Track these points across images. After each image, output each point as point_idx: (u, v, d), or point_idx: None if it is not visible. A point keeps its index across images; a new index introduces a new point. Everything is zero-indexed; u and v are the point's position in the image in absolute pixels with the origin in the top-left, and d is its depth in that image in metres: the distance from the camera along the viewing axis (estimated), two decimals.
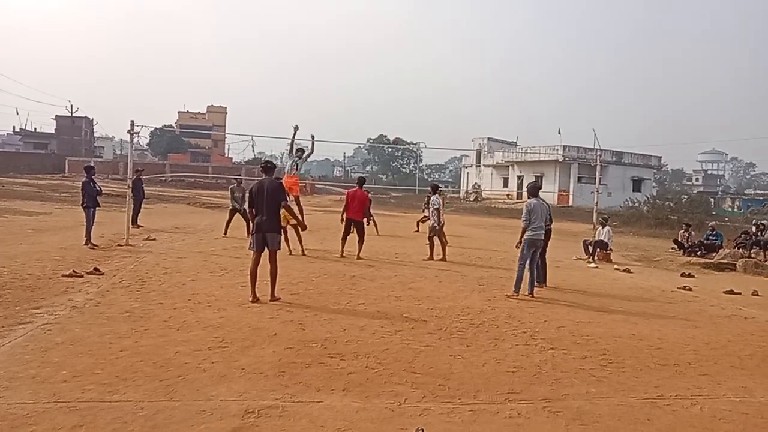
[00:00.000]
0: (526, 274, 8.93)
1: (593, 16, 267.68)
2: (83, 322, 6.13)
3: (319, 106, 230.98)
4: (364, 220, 13.02)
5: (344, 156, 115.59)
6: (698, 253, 17.21)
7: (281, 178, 10.43)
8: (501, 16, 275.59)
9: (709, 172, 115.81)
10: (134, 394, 4.22)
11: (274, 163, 8.48)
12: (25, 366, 4.67)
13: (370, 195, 15.17)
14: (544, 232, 9.01)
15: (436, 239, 12.84)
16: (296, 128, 12.90)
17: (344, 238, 12.32)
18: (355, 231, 12.33)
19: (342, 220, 12.47)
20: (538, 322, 7.29)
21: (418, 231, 19.62)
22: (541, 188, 9.67)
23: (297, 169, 12.93)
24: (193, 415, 3.93)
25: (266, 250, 7.71)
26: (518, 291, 8.77)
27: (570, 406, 4.50)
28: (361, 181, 13.05)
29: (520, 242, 8.94)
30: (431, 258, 12.58)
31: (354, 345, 5.80)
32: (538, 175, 51.95)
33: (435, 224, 12.83)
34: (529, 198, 9.27)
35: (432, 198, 13.54)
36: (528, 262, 8.88)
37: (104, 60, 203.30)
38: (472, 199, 52.09)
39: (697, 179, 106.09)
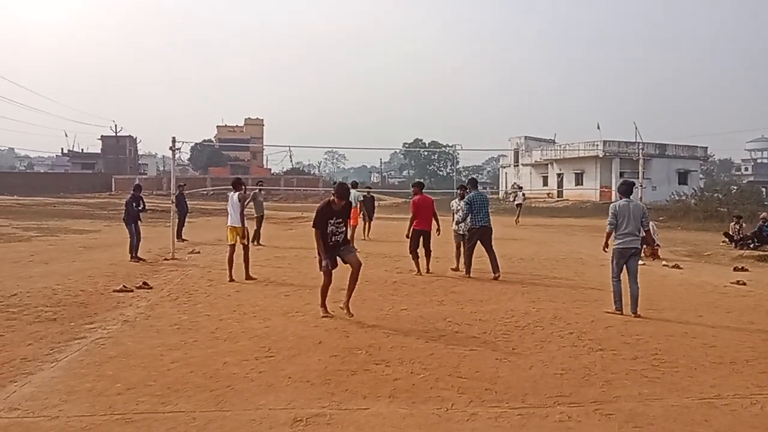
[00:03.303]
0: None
1: (628, 9, 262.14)
2: (135, 335, 6.32)
3: (354, 113, 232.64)
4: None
5: (381, 162, 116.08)
6: (751, 246, 16.58)
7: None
8: (530, 12, 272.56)
9: (758, 160, 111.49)
10: (186, 405, 4.32)
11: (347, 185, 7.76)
12: (82, 380, 4.84)
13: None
14: (638, 239, 7.79)
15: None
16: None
17: (416, 254, 10.86)
18: (422, 243, 10.95)
19: (408, 234, 11.08)
20: (584, 323, 7.15)
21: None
22: (633, 185, 8.20)
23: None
24: (243, 425, 3.99)
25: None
26: (620, 308, 7.68)
27: (622, 408, 4.39)
28: (422, 186, 11.43)
29: (606, 245, 8.01)
30: (458, 268, 11.34)
31: (398, 351, 5.80)
32: (578, 172, 51.06)
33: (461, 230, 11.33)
34: (619, 198, 7.95)
35: (457, 202, 11.71)
36: (629, 275, 7.76)
37: (144, 79, 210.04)
38: (511, 199, 51.47)
39: (746, 168, 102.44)
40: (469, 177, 12.51)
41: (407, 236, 11.07)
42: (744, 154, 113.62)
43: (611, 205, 8.00)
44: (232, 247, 10.31)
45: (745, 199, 34.02)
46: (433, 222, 11.08)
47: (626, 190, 7.96)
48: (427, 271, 10.91)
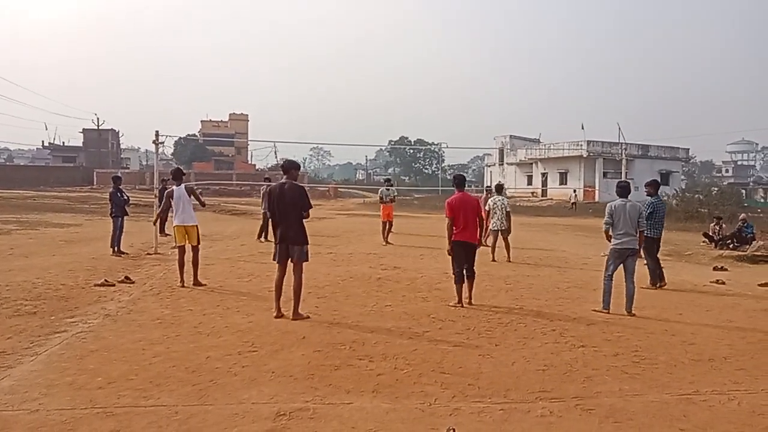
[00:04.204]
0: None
1: (614, 10, 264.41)
2: (116, 329, 6.25)
3: (340, 109, 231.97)
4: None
5: (366, 159, 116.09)
6: (730, 246, 16.84)
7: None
8: (525, 15, 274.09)
9: (739, 162, 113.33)
10: (168, 399, 4.29)
11: (298, 163, 7.34)
12: (62, 373, 4.78)
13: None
14: (635, 239, 7.71)
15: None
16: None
17: (461, 276, 7.91)
18: (464, 260, 7.91)
19: (449, 251, 7.96)
20: (567, 320, 7.21)
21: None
22: (629, 186, 8.07)
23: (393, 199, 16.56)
24: (225, 419, 3.98)
25: (291, 262, 7.12)
26: (608, 308, 7.63)
27: (602, 403, 4.44)
28: (461, 181, 8.33)
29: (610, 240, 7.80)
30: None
31: (382, 346, 5.81)
32: (563, 171, 51.45)
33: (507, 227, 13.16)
34: (618, 198, 7.91)
35: (502, 200, 13.35)
36: (626, 274, 7.71)
37: (127, 72, 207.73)
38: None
39: (727, 170, 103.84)
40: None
41: (449, 252, 8.02)
42: (725, 156, 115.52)
43: (608, 204, 8.04)
44: (182, 248, 9.07)
45: (725, 200, 34.43)
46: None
47: (622, 191, 8.03)
48: (469, 302, 7.97)
